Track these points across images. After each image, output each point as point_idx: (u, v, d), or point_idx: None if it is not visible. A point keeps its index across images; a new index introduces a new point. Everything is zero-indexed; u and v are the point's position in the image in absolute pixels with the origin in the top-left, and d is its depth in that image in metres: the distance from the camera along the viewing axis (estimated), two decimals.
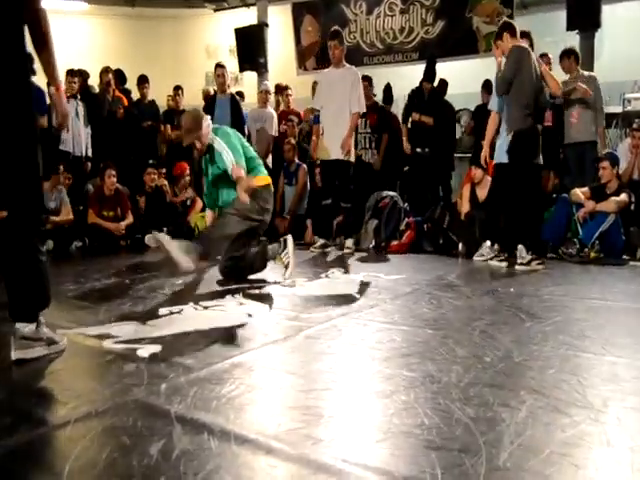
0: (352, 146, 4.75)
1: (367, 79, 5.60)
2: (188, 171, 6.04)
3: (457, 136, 6.53)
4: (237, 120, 5.38)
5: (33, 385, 1.61)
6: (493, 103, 4.26)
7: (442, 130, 5.51)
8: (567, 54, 5.12)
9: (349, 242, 4.77)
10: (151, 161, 6.00)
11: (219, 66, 5.57)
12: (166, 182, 5.85)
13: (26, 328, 1.75)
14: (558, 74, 5.53)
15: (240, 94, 6.69)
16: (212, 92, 6.96)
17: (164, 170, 6.02)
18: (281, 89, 6.75)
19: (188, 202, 5.85)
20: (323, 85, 4.83)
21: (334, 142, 4.62)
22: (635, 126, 5.12)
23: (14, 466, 1.15)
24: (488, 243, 4.19)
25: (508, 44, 4.02)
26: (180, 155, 6.47)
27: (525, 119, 3.92)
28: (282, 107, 6.63)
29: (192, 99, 7.17)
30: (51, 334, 1.84)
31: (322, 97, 4.78)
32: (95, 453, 1.19)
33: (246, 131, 5.74)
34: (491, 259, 4.10)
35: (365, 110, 4.85)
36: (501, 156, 4.03)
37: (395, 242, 4.94)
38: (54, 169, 5.10)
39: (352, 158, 4.77)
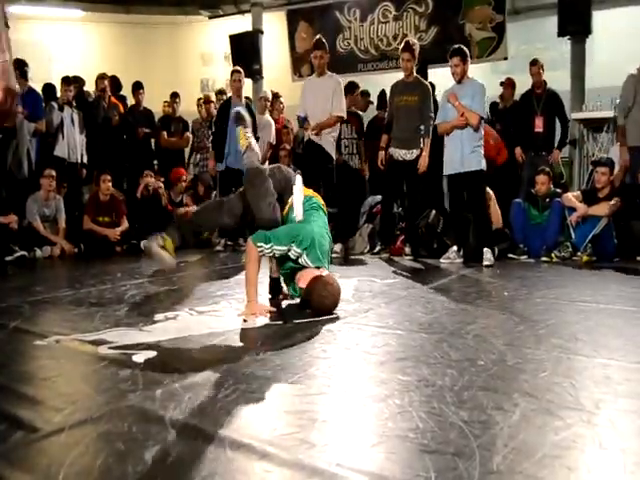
0: (328, 139, 4.79)
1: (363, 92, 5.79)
2: (185, 177, 6.06)
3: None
4: (253, 127, 5.42)
5: (28, 391, 1.61)
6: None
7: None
8: None
9: (337, 247, 4.80)
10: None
11: (236, 71, 5.55)
12: (162, 185, 5.87)
13: None
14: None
15: None
16: (212, 96, 7.00)
17: (162, 179, 6.05)
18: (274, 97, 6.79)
19: (184, 201, 5.90)
20: (306, 93, 4.90)
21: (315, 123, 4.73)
22: None
23: (8, 472, 1.15)
24: (455, 248, 4.37)
25: None
26: (175, 162, 6.49)
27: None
28: (274, 115, 6.66)
29: (188, 106, 7.19)
30: None
31: (306, 105, 4.88)
32: (90, 459, 1.19)
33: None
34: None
35: (345, 116, 4.91)
36: (452, 167, 4.31)
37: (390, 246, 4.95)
38: (40, 172, 5.07)
39: (332, 152, 4.82)
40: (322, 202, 2.87)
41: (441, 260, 4.36)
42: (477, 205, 4.34)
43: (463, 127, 4.23)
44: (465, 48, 4.41)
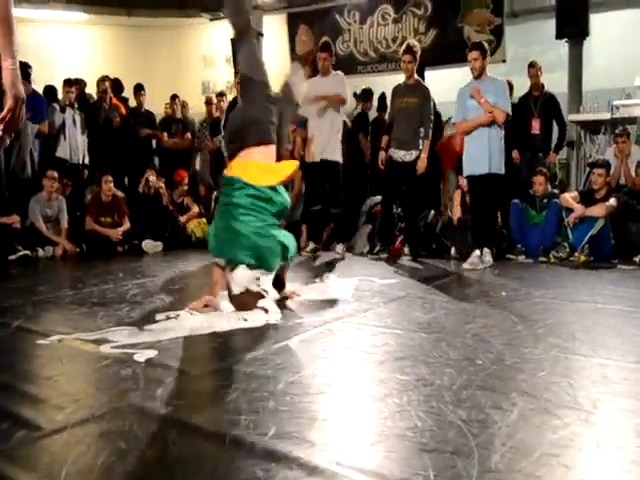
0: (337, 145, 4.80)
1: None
2: (186, 180, 6.09)
3: None
4: None
5: (30, 390, 1.62)
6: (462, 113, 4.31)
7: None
8: None
9: (339, 247, 4.83)
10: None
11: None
12: (163, 185, 5.89)
13: None
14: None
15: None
16: (214, 98, 7.01)
17: (164, 179, 6.07)
18: None
19: (184, 203, 5.92)
20: (311, 92, 4.93)
21: (320, 145, 4.75)
22: (617, 132, 5.18)
23: (11, 470, 1.16)
24: (477, 252, 4.19)
25: None
26: (176, 163, 6.51)
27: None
28: None
29: (189, 107, 7.22)
30: None
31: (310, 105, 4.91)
32: (92, 458, 1.20)
33: None
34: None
35: (348, 102, 4.98)
36: (478, 168, 4.17)
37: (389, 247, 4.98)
38: (42, 173, 5.09)
39: (338, 158, 4.83)
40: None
41: (464, 266, 4.10)
42: (492, 208, 4.29)
43: (489, 125, 4.10)
44: (486, 44, 4.36)
